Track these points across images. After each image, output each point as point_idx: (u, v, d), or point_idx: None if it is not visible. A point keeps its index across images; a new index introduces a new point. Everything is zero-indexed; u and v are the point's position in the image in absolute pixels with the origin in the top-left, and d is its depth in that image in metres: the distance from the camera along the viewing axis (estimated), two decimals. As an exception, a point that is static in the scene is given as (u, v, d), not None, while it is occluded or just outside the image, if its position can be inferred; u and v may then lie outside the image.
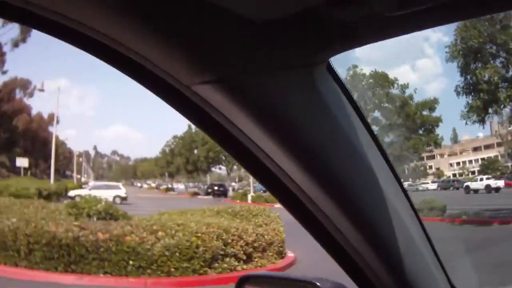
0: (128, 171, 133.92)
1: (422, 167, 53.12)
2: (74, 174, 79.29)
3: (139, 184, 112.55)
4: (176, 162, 68.97)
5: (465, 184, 39.72)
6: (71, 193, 35.57)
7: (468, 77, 19.78)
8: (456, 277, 1.37)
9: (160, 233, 9.10)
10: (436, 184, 51.18)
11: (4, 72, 66.67)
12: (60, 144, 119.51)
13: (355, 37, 0.84)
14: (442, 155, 71.59)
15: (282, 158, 0.91)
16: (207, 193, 56.90)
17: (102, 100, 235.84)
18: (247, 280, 1.59)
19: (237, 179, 72.77)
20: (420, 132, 28.08)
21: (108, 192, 36.22)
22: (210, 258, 9.16)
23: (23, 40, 61.02)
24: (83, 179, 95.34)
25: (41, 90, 65.11)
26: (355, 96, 1.08)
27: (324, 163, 0.94)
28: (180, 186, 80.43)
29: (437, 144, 30.70)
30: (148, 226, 9.35)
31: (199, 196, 56.19)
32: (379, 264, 1.08)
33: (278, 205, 5.01)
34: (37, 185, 30.46)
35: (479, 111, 20.14)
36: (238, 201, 42.08)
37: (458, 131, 69.80)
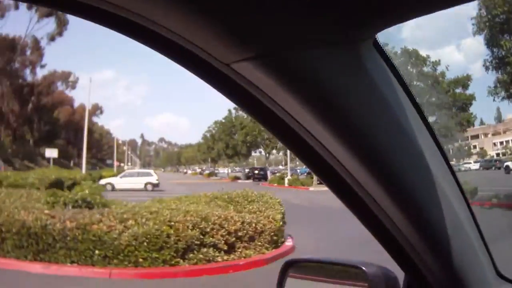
0: (174, 157, 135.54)
1: (466, 147, 51.15)
2: (115, 162, 79.84)
3: (184, 170, 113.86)
4: (216, 147, 68.80)
5: (505, 164, 38.03)
6: (102, 181, 35.87)
7: (495, 50, 18.13)
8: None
9: (130, 222, 8.56)
10: (479, 164, 49.80)
11: (42, 66, 67.89)
12: (105, 134, 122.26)
13: (402, 11, 0.78)
14: (486, 135, 69.99)
15: (327, 139, 0.88)
16: (248, 177, 57.12)
17: (149, 89, 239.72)
18: (292, 265, 1.55)
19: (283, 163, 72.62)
20: (454, 110, 26.59)
21: (139, 180, 36.45)
22: (184, 248, 8.54)
23: (60, 33, 61.96)
24: (126, 167, 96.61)
25: (74, 82, 67.01)
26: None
27: (372, 144, 0.90)
28: (225, 171, 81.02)
29: (470, 123, 28.76)
30: (119, 214, 8.82)
31: (239, 181, 56.35)
32: (425, 248, 1.06)
33: (312, 188, 29.81)
34: (60, 175, 30.61)
35: (507, 86, 18.58)
36: (275, 184, 42.58)
37: (502, 110, 67.64)
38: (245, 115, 58.09)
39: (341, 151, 0.90)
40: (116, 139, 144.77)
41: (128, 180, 35.78)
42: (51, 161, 47.80)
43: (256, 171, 56.41)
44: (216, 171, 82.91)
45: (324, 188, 3.23)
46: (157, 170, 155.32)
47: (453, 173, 1.12)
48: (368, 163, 0.92)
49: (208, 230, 8.99)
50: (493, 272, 1.29)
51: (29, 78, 67.69)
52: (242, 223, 9.52)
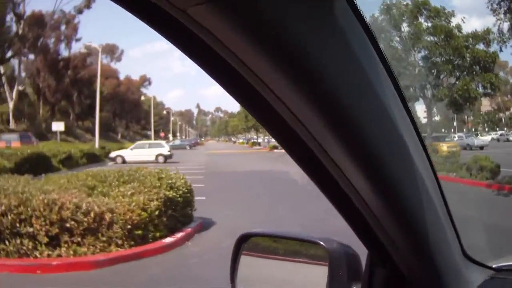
0: (223, 127, 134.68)
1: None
2: (152, 133, 79.30)
3: (233, 140, 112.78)
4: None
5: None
6: (112, 154, 34.82)
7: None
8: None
9: None
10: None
11: (77, 40, 67.18)
12: (156, 105, 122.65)
13: None
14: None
15: (294, 103, 0.79)
16: None
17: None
18: (248, 238, 1.49)
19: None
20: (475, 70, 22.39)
21: (150, 151, 34.91)
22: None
23: (87, 6, 60.67)
24: (174, 139, 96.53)
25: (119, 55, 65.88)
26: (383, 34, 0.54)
27: (341, 114, 0.81)
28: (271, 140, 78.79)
29: (494, 86, 23.64)
30: None
31: (276, 150, 54.25)
32: (392, 225, 1.03)
33: None
34: (67, 149, 29.58)
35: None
36: None
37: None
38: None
39: (308, 117, 0.81)
40: (169, 111, 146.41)
41: (139, 152, 34.32)
42: (97, 134, 46.23)
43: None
44: (258, 141, 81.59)
45: None
46: (212, 140, 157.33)
47: (424, 147, 1.03)
48: (336, 133, 0.83)
49: (24, 217, 7.24)
50: (460, 253, 1.27)
51: (64, 52, 67.61)
52: (74, 210, 7.25)
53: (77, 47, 76.92)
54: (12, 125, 52.26)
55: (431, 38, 22.22)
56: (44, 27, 58.46)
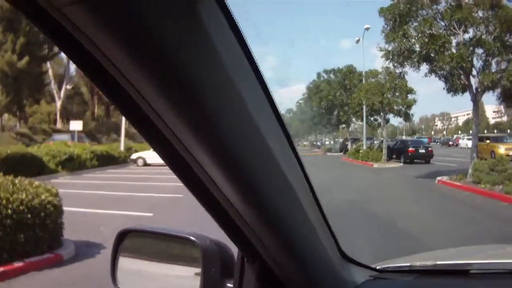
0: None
1: None
2: None
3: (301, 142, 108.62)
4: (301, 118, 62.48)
5: None
6: (134, 155, 31.81)
7: None
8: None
9: None
10: None
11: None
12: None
13: None
14: None
15: (158, 101, 0.76)
16: (340, 150, 51.45)
17: (280, 60, 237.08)
18: (127, 234, 1.47)
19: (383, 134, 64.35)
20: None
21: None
22: None
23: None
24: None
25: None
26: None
27: (210, 121, 0.79)
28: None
29: None
30: None
31: (329, 154, 51.71)
32: (261, 228, 1.02)
33: (376, 165, 29.00)
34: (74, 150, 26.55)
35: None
36: (350, 158, 36.69)
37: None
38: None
39: (178, 125, 0.79)
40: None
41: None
42: (123, 133, 44.01)
43: (347, 143, 49.74)
44: (318, 143, 76.78)
45: (390, 165, 29.23)
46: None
47: (294, 150, 1.01)
48: (202, 140, 0.81)
49: None
50: (337, 254, 1.30)
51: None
52: None
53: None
54: (59, 124, 50.92)
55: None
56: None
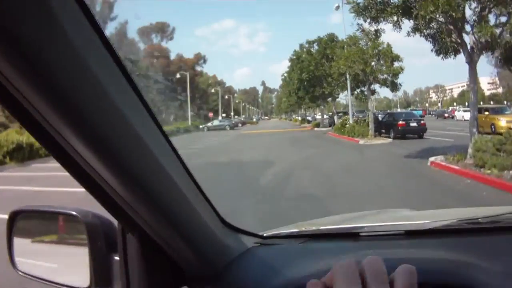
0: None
1: None
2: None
3: (294, 117, 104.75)
4: (288, 90, 58.46)
5: None
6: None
7: None
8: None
9: None
10: None
11: (112, 19, 61.18)
12: (215, 84, 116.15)
13: None
14: None
15: (29, 93, 0.76)
16: (330, 125, 48.15)
17: (272, 35, 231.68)
18: (19, 215, 1.45)
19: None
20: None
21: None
22: None
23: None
24: (237, 119, 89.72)
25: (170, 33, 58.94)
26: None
27: (77, 105, 0.80)
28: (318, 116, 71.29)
29: None
30: None
31: (316, 129, 48.13)
32: (136, 203, 1.03)
33: (362, 141, 25.19)
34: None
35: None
36: (336, 134, 33.17)
37: None
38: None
39: (47, 109, 0.78)
40: (229, 89, 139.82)
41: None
42: None
43: (334, 117, 46.27)
44: (309, 118, 73.96)
45: (377, 141, 25.11)
46: (275, 118, 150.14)
47: (168, 140, 1.05)
48: (78, 132, 0.83)
49: None
50: (219, 223, 1.33)
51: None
52: None
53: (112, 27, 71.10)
54: None
55: None
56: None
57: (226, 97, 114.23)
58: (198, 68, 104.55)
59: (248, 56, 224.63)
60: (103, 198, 1.04)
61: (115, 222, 1.21)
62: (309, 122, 67.07)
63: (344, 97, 50.65)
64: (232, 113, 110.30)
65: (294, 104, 60.20)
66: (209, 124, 64.33)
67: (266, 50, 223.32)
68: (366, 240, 1.51)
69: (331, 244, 1.52)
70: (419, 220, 1.71)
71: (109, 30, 62.82)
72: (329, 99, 47.53)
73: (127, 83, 0.88)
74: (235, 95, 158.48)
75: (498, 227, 1.53)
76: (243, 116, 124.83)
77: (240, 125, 78.63)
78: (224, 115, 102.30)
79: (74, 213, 1.28)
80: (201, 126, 63.16)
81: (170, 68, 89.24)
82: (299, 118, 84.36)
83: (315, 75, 43.73)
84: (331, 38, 42.79)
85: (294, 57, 49.89)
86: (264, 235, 1.53)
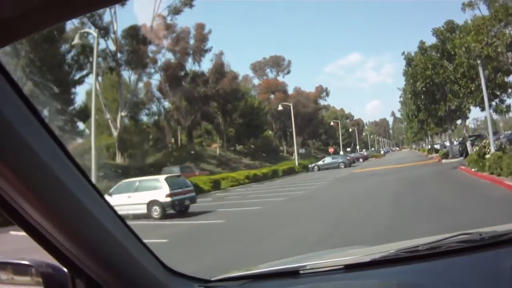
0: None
1: None
2: (295, 152, 63.73)
3: (422, 146, 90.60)
4: (406, 111, 45.30)
5: None
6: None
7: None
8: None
9: None
10: None
11: (207, 51, 55.33)
12: (340, 117, 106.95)
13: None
14: None
15: None
16: (461, 154, 35.70)
17: (398, 66, 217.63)
18: None
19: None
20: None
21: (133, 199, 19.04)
22: None
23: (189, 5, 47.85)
24: (358, 153, 79.67)
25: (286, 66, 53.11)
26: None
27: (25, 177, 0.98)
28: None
29: None
30: None
31: (444, 161, 35.73)
32: (78, 251, 1.15)
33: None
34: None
35: None
36: (471, 169, 21.28)
37: None
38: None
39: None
40: (358, 122, 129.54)
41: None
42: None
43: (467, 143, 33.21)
44: (436, 145, 60.67)
45: None
46: (405, 149, 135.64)
47: (99, 192, 1.15)
48: (26, 193, 0.97)
49: None
50: (161, 268, 1.39)
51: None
52: None
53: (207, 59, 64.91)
54: (118, 159, 42.11)
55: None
56: (158, 39, 48.15)
57: (350, 129, 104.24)
58: (322, 102, 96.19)
59: (377, 88, 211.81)
60: (52, 249, 1.13)
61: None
62: (437, 151, 54.42)
63: (472, 120, 37.52)
64: (357, 147, 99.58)
65: (419, 131, 48.22)
66: (320, 162, 54.30)
67: (393, 81, 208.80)
68: (306, 277, 1.55)
69: (272, 284, 1.59)
70: (360, 255, 1.70)
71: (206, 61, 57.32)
72: (458, 121, 36.16)
73: (50, 138, 1.00)
74: (365, 127, 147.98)
75: (437, 252, 1.52)
76: (372, 149, 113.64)
77: (361, 160, 67.88)
78: (348, 149, 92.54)
79: (30, 263, 1.32)
80: (310, 166, 53.37)
81: (287, 102, 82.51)
82: (428, 147, 70.62)
83: (433, 82, 28.93)
84: (451, 27, 28.28)
85: (405, 67, 34.58)
86: (212, 279, 1.63)
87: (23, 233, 1.13)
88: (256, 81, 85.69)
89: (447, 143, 44.34)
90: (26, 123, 0.92)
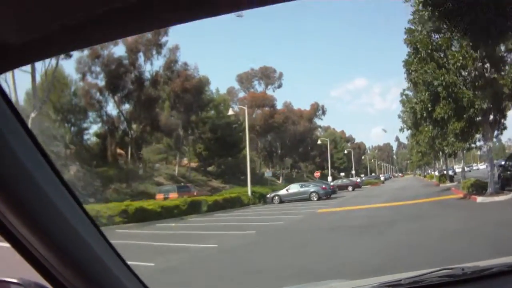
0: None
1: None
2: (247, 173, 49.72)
3: (429, 172, 75.61)
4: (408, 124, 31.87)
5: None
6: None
7: None
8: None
9: None
10: None
11: (161, 45, 42.60)
12: (339, 140, 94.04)
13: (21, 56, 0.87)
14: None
15: None
16: (502, 186, 21.39)
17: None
18: None
19: None
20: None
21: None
22: None
23: None
24: (347, 180, 64.50)
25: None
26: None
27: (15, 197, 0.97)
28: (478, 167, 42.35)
29: None
30: None
31: (480, 199, 19.42)
32: (61, 267, 1.11)
33: None
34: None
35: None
36: None
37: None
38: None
39: None
40: (359, 146, 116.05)
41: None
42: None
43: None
44: (447, 173, 42.97)
45: None
46: (409, 175, 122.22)
47: (79, 204, 1.12)
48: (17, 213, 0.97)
49: None
50: (139, 285, 1.36)
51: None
52: None
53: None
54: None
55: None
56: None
57: (346, 151, 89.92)
58: (317, 121, 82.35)
59: (381, 114, 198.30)
60: (38, 266, 1.11)
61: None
62: (451, 178, 40.31)
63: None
64: (352, 171, 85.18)
65: (430, 148, 33.99)
66: (283, 191, 36.36)
67: (398, 106, 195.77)
68: None
69: None
70: None
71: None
72: (497, 134, 22.17)
73: (32, 144, 0.96)
74: (367, 151, 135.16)
75: (419, 286, 1.52)
76: (372, 174, 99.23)
77: (350, 188, 50.00)
78: (343, 174, 78.44)
79: (17, 281, 1.25)
80: (269, 195, 35.56)
81: (274, 118, 68.70)
82: (436, 173, 55.43)
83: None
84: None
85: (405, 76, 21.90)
86: None
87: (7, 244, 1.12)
88: (242, 94, 72.13)
89: (477, 166, 29.45)
90: (12, 131, 0.92)
